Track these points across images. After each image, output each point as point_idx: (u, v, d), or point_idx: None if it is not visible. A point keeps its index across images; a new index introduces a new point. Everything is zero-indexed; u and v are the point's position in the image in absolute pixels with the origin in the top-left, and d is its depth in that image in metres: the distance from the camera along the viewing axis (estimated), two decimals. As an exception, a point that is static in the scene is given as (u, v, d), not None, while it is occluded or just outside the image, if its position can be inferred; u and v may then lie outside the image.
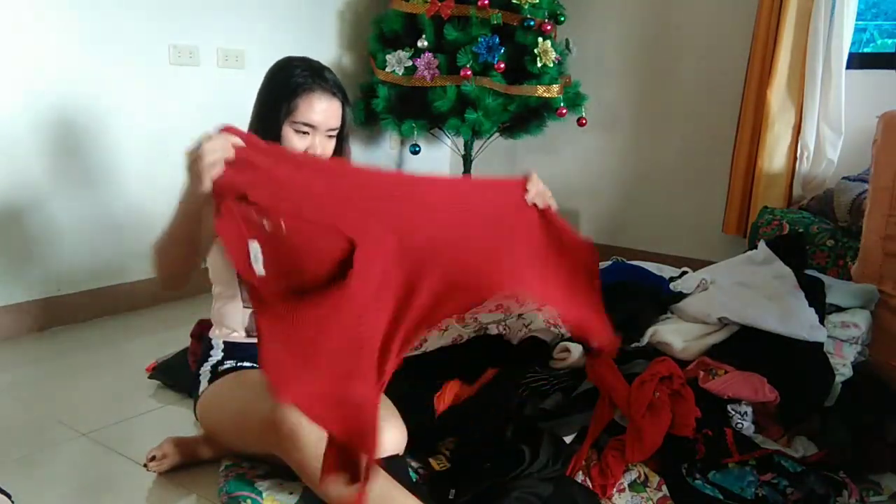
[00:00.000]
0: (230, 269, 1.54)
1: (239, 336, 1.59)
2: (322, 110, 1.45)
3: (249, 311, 1.57)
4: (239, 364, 1.54)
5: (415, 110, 3.26)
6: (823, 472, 1.42)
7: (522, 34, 3.14)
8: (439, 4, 3.09)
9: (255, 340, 1.54)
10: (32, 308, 2.46)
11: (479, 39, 3.08)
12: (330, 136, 1.49)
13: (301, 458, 1.28)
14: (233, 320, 1.58)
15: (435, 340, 1.87)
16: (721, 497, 1.38)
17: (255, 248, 1.05)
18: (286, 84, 1.46)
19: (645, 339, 1.78)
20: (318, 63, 1.52)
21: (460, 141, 3.56)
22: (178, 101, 2.78)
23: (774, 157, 3.00)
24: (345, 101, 1.52)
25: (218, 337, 1.60)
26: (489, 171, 3.90)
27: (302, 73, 1.47)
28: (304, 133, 1.45)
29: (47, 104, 2.42)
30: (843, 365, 1.68)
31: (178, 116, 2.78)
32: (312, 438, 1.27)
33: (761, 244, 2.06)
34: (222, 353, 1.57)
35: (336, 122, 1.49)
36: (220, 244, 1.52)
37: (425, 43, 3.17)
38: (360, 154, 3.68)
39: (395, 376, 1.57)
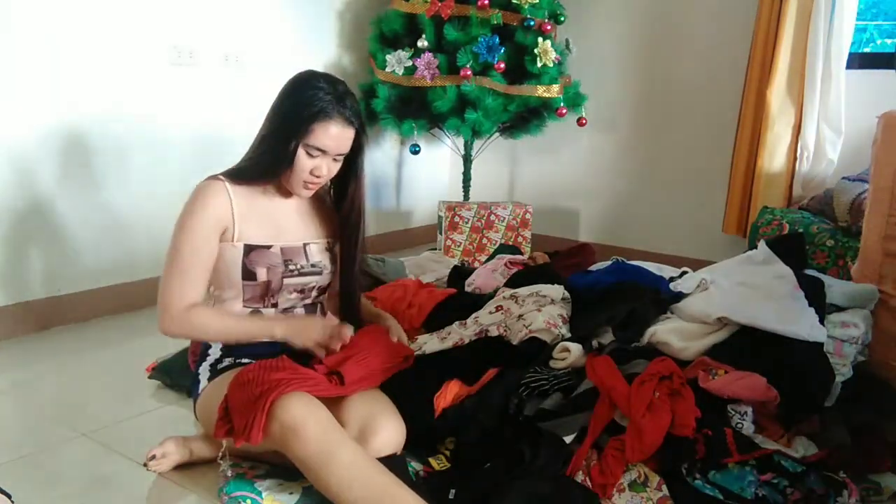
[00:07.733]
0: (232, 271, 1.55)
1: None
2: (335, 137, 1.50)
3: (249, 310, 1.58)
4: (237, 361, 1.55)
5: (415, 110, 3.26)
6: (823, 472, 1.42)
7: (522, 34, 3.14)
8: (439, 4, 3.09)
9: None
10: (33, 308, 2.47)
11: (479, 39, 3.08)
12: (336, 160, 1.56)
13: (303, 451, 1.28)
14: None
15: (436, 345, 1.87)
16: (721, 497, 1.38)
17: None
18: (307, 105, 1.48)
19: (645, 339, 1.78)
20: (342, 86, 1.54)
21: (460, 141, 3.56)
22: (178, 102, 2.78)
23: (774, 157, 3.00)
24: (361, 130, 1.56)
25: (216, 336, 1.61)
26: (489, 170, 3.91)
27: (324, 96, 1.49)
28: (314, 156, 1.51)
29: (48, 105, 2.42)
30: (843, 365, 1.67)
31: (178, 116, 2.78)
32: (314, 431, 1.28)
33: (761, 244, 2.05)
34: (220, 352, 1.58)
35: (346, 148, 1.55)
36: (222, 251, 1.53)
37: (425, 43, 3.17)
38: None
39: (396, 376, 1.59)
